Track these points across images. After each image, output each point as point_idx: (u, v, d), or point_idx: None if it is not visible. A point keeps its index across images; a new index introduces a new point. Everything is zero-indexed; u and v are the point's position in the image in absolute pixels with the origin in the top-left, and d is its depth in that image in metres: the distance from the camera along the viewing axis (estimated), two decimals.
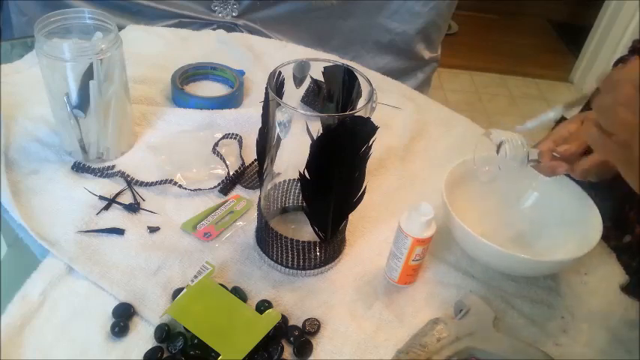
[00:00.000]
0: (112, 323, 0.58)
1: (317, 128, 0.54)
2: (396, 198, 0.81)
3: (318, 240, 0.65)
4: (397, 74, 1.24)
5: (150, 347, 0.57)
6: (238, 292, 0.63)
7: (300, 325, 0.61)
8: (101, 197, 0.73)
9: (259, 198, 0.68)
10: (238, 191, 0.78)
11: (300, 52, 1.12)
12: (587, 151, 0.62)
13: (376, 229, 0.75)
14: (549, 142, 0.65)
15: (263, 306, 0.62)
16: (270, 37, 1.26)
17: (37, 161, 0.76)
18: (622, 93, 0.47)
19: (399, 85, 1.08)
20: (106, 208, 0.72)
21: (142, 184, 0.75)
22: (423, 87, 1.50)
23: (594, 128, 0.50)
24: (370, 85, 0.59)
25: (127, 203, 0.72)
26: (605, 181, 0.63)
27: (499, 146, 0.65)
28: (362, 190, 0.62)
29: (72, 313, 0.59)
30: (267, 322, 0.58)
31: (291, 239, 0.64)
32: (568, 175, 0.73)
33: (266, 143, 0.61)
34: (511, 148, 0.64)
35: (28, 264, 0.64)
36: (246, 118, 0.88)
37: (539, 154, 0.65)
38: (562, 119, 0.83)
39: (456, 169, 0.73)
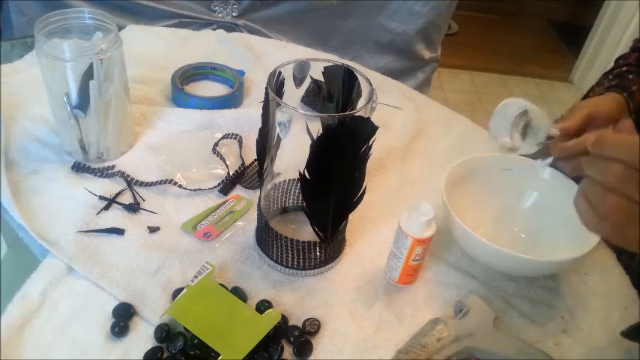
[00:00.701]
0: (112, 323, 0.58)
1: (317, 128, 0.54)
2: (396, 198, 0.81)
3: (318, 240, 0.65)
4: (397, 74, 1.24)
5: (150, 347, 0.57)
6: (238, 292, 0.63)
7: (300, 325, 0.61)
8: (101, 197, 0.73)
9: (259, 198, 0.68)
10: (238, 191, 0.78)
11: (300, 52, 1.12)
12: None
13: (376, 229, 0.75)
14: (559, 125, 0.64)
15: (263, 306, 0.62)
16: (270, 37, 1.26)
17: (37, 161, 0.76)
18: (611, 173, 0.44)
19: (399, 85, 1.08)
20: (106, 208, 0.72)
21: (142, 184, 0.75)
22: (423, 87, 1.50)
23: (582, 200, 0.48)
24: (370, 85, 0.59)
25: (127, 203, 0.72)
26: None
27: (521, 115, 0.62)
28: (362, 190, 0.62)
29: (72, 313, 0.59)
30: (267, 322, 0.58)
31: (291, 239, 0.64)
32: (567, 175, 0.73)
33: (266, 143, 0.61)
34: (536, 117, 0.61)
35: (28, 264, 0.64)
36: (246, 118, 0.88)
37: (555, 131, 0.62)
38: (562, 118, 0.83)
39: (455, 169, 0.73)
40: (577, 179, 0.72)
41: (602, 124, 0.65)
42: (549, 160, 0.64)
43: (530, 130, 0.62)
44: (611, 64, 0.86)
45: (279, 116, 0.58)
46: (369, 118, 0.55)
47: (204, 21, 1.27)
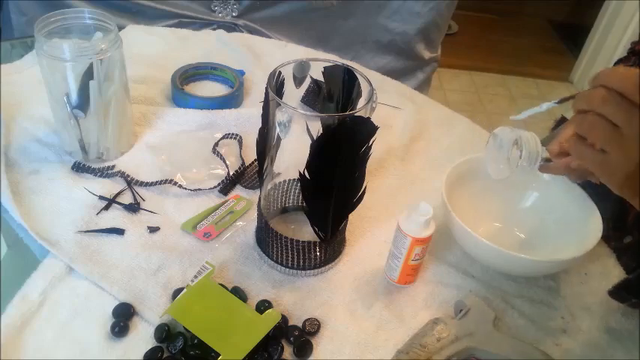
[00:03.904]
0: (112, 323, 0.58)
1: (317, 128, 0.54)
2: (395, 198, 0.81)
3: (318, 240, 0.65)
4: (397, 74, 1.24)
5: (150, 347, 0.57)
6: (238, 292, 0.63)
7: (300, 325, 0.61)
8: (101, 197, 0.73)
9: (259, 198, 0.68)
10: (238, 191, 0.78)
11: (300, 52, 1.12)
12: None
13: (376, 229, 0.75)
14: (557, 142, 0.65)
15: (263, 306, 0.62)
16: (270, 37, 1.26)
17: (37, 161, 0.76)
18: (595, 97, 0.47)
19: (399, 85, 1.08)
20: (106, 208, 0.72)
21: (142, 184, 0.75)
22: (423, 87, 1.50)
23: (573, 134, 0.50)
24: (370, 85, 0.59)
25: (127, 203, 0.72)
26: None
27: (514, 143, 0.64)
28: (362, 190, 0.62)
29: (72, 313, 0.59)
30: (267, 322, 0.58)
31: (291, 239, 0.64)
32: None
33: (266, 143, 0.61)
34: (527, 147, 0.63)
35: (28, 264, 0.64)
36: (246, 118, 0.88)
37: (549, 151, 0.64)
38: (563, 119, 0.83)
39: (455, 169, 0.73)
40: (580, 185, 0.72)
41: None
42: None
43: (524, 156, 0.63)
44: (612, 64, 0.86)
45: (279, 116, 0.58)
46: (369, 118, 0.55)
47: (204, 21, 1.27)
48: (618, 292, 0.67)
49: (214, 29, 1.18)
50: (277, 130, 0.59)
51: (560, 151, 0.64)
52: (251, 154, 0.83)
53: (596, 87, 0.47)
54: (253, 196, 0.77)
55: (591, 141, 0.49)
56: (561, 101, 0.56)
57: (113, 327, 0.58)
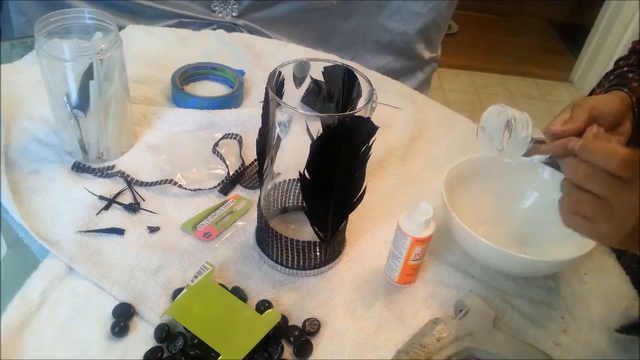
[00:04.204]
0: (112, 323, 0.58)
1: (317, 128, 0.54)
2: (395, 198, 0.81)
3: (318, 240, 0.65)
4: (397, 74, 1.24)
5: (150, 347, 0.57)
6: (238, 292, 0.63)
7: (300, 325, 0.61)
8: (101, 197, 0.73)
9: (259, 198, 0.68)
10: (238, 191, 0.78)
11: (300, 52, 1.12)
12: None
13: (376, 229, 0.75)
14: (554, 123, 0.65)
15: (263, 306, 0.62)
16: (270, 37, 1.26)
17: (37, 161, 0.76)
18: (580, 173, 0.49)
19: (399, 85, 1.08)
20: (106, 208, 0.72)
21: (142, 184, 0.75)
22: (423, 87, 1.50)
23: (561, 200, 0.52)
24: (370, 85, 0.59)
25: (127, 203, 0.72)
26: None
27: (506, 124, 0.64)
28: (362, 190, 0.62)
29: (72, 313, 0.59)
30: (267, 322, 0.58)
31: (291, 239, 0.64)
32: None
33: (266, 143, 0.61)
34: (518, 122, 0.63)
35: (28, 264, 0.64)
36: (246, 118, 0.88)
37: (545, 133, 0.64)
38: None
39: (455, 169, 0.73)
40: None
41: (607, 123, 0.65)
42: (544, 157, 0.64)
43: (515, 136, 0.63)
44: (611, 65, 0.86)
45: (279, 116, 0.58)
46: (369, 118, 0.55)
47: (204, 21, 1.27)
48: (626, 331, 0.67)
49: (214, 29, 1.18)
50: (277, 130, 0.59)
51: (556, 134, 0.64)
52: (251, 154, 0.83)
53: (581, 161, 0.49)
54: (253, 196, 0.77)
55: (581, 214, 0.50)
56: (549, 159, 0.59)
57: (113, 327, 0.58)
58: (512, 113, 0.62)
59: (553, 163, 0.77)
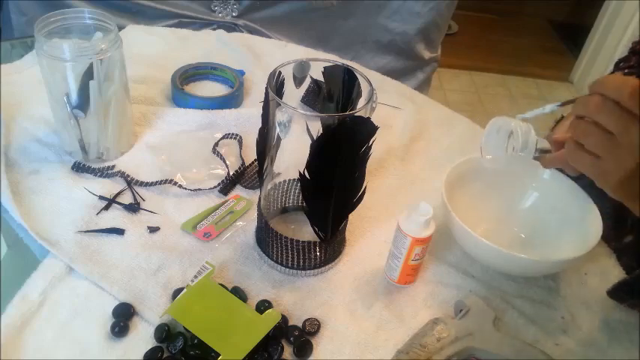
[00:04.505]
0: (112, 323, 0.58)
1: (317, 128, 0.54)
2: (395, 198, 0.81)
3: (318, 240, 0.65)
4: (397, 74, 1.24)
5: (150, 347, 0.57)
6: (238, 292, 0.63)
7: (300, 325, 0.61)
8: (101, 197, 0.73)
9: (259, 198, 0.68)
10: (238, 191, 0.78)
11: (300, 52, 1.12)
12: None
13: (376, 229, 0.75)
14: (557, 132, 0.65)
15: (263, 306, 0.62)
16: (270, 37, 1.26)
17: (37, 161, 0.76)
18: (590, 104, 0.48)
19: (399, 85, 1.08)
20: (106, 208, 0.72)
21: (142, 184, 0.75)
22: (423, 87, 1.50)
23: (569, 139, 0.52)
24: (370, 85, 0.59)
25: (127, 203, 0.72)
26: None
27: (509, 134, 0.64)
28: (362, 190, 0.62)
29: (72, 313, 0.59)
30: (267, 322, 0.58)
31: (291, 239, 0.64)
32: (568, 175, 0.73)
33: (266, 143, 0.61)
34: (521, 133, 0.63)
35: (28, 264, 0.64)
36: (246, 118, 0.88)
37: (549, 140, 0.64)
38: (562, 118, 0.83)
39: (455, 169, 0.73)
40: (578, 179, 0.72)
41: None
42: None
43: (518, 146, 0.63)
44: (611, 65, 0.86)
45: (279, 116, 0.58)
46: (369, 118, 0.55)
47: (204, 21, 1.27)
48: (617, 293, 0.67)
49: (214, 29, 1.18)
50: (277, 130, 0.59)
51: (560, 142, 0.64)
52: (251, 154, 0.83)
53: (593, 94, 0.48)
54: (253, 196, 0.77)
55: (586, 147, 0.50)
56: (564, 104, 0.57)
57: (113, 327, 0.58)
58: (515, 125, 0.62)
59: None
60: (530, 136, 0.62)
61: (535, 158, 0.64)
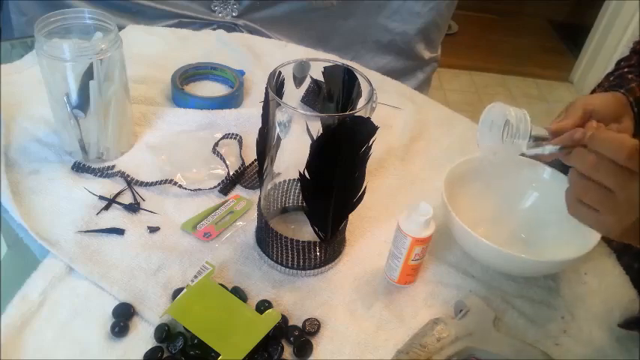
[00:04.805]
0: (112, 323, 0.58)
1: (317, 128, 0.54)
2: (396, 198, 0.81)
3: (318, 240, 0.65)
4: (397, 74, 1.24)
5: (150, 347, 0.57)
6: (238, 292, 0.63)
7: (300, 325, 0.61)
8: (101, 197, 0.73)
9: (259, 198, 0.68)
10: (238, 191, 0.78)
11: (300, 52, 1.12)
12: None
13: (376, 229, 0.75)
14: (556, 122, 0.66)
15: (263, 306, 0.62)
16: (270, 37, 1.26)
17: (37, 161, 0.76)
18: (587, 162, 0.49)
19: (399, 85, 1.08)
20: (106, 208, 0.72)
21: (142, 184, 0.75)
22: (423, 87, 1.50)
23: (568, 189, 0.53)
24: (370, 85, 0.59)
25: (127, 203, 0.72)
26: None
27: (505, 122, 0.64)
28: (362, 190, 0.62)
29: (72, 313, 0.59)
30: (267, 322, 0.58)
31: (291, 239, 0.64)
32: (562, 170, 0.73)
33: (266, 143, 0.61)
34: (515, 120, 0.63)
35: (28, 264, 0.64)
36: (246, 118, 0.88)
37: (548, 130, 0.64)
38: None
39: (455, 169, 0.73)
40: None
41: (602, 119, 0.65)
42: (555, 148, 0.63)
43: (516, 134, 0.63)
44: (611, 65, 0.86)
45: (279, 116, 0.58)
46: (369, 118, 0.55)
47: (204, 21, 1.27)
48: (629, 325, 0.67)
49: (214, 29, 1.18)
50: (277, 130, 0.59)
51: (557, 132, 0.64)
52: (251, 154, 0.83)
53: (590, 152, 0.49)
54: (253, 196, 0.77)
55: (586, 202, 0.51)
56: (561, 149, 0.58)
57: (113, 327, 0.58)
58: (510, 110, 0.62)
59: (555, 162, 0.77)
60: (526, 124, 0.62)
61: (530, 146, 0.63)
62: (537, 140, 0.63)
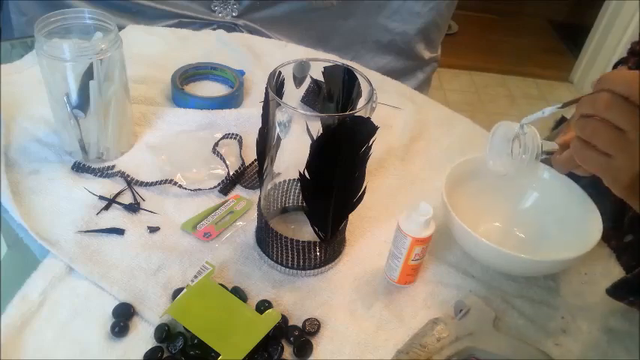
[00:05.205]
0: (112, 323, 0.58)
1: (317, 128, 0.54)
2: (395, 198, 0.81)
3: (318, 240, 0.65)
4: (397, 74, 1.24)
5: (150, 347, 0.57)
6: (238, 292, 0.63)
7: (300, 325, 0.61)
8: (101, 197, 0.73)
9: (259, 198, 0.68)
10: (238, 191, 0.78)
11: (300, 52, 1.12)
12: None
13: (376, 229, 0.75)
14: (562, 136, 0.65)
15: (263, 306, 0.62)
16: (270, 37, 1.26)
17: (37, 161, 0.76)
18: (599, 101, 0.47)
19: (399, 85, 1.08)
20: (106, 208, 0.72)
21: (142, 184, 0.75)
22: (423, 87, 1.50)
23: (576, 138, 0.50)
24: (370, 85, 0.59)
25: (127, 203, 0.72)
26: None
27: (514, 138, 0.64)
28: (362, 190, 0.62)
29: (72, 313, 0.59)
30: (267, 322, 0.58)
31: (291, 239, 0.64)
32: (568, 175, 0.73)
33: (266, 143, 0.61)
34: (526, 138, 0.62)
35: (28, 264, 0.64)
36: (246, 118, 0.88)
37: (556, 143, 0.64)
38: (563, 119, 0.83)
39: (455, 169, 0.73)
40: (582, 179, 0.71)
41: None
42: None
43: (524, 150, 0.63)
44: (611, 65, 0.86)
45: (279, 116, 0.58)
46: (369, 118, 0.55)
47: (204, 21, 1.27)
48: (616, 291, 0.67)
49: (214, 29, 1.18)
50: (277, 130, 0.59)
51: (566, 144, 0.64)
52: (251, 154, 0.83)
53: (600, 91, 0.47)
54: (253, 196, 0.77)
55: (595, 145, 0.48)
56: (564, 105, 0.56)
57: (113, 327, 0.58)
58: (519, 131, 0.62)
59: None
60: (535, 140, 0.62)
61: (542, 161, 0.63)
62: (547, 154, 0.63)
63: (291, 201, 0.73)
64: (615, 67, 0.85)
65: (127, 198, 0.74)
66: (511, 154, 0.64)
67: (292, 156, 0.65)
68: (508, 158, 0.65)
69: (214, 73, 0.99)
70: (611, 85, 0.46)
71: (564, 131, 0.65)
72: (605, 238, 0.74)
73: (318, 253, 0.66)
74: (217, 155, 0.82)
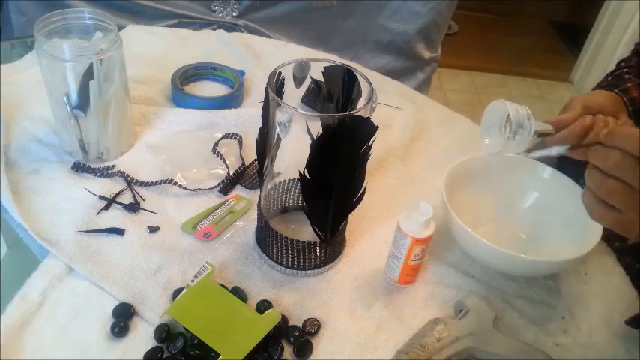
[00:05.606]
0: (112, 323, 0.58)
1: (317, 128, 0.54)
2: (395, 198, 0.81)
3: (318, 240, 0.65)
4: (397, 74, 1.24)
5: (150, 347, 0.57)
6: (238, 292, 0.63)
7: (300, 325, 0.61)
8: (101, 197, 0.73)
9: (259, 198, 0.68)
10: (238, 191, 0.78)
11: (300, 52, 1.12)
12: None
13: (376, 229, 0.75)
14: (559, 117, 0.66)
15: (263, 306, 0.62)
16: (270, 37, 1.26)
17: (37, 161, 0.76)
18: (610, 160, 0.48)
19: (399, 85, 1.08)
20: (106, 208, 0.72)
21: (142, 184, 0.75)
22: (423, 87, 1.50)
23: (588, 192, 0.51)
24: (370, 85, 0.59)
25: (127, 203, 0.72)
26: None
27: (507, 118, 0.64)
28: (362, 190, 0.62)
29: (72, 313, 0.59)
30: (267, 322, 0.58)
31: (291, 239, 0.64)
32: (568, 174, 0.73)
33: (266, 143, 0.61)
34: (518, 117, 0.62)
35: (28, 264, 0.64)
36: (246, 118, 0.88)
37: (552, 124, 0.64)
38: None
39: (455, 169, 0.73)
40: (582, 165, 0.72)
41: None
42: (562, 149, 0.63)
43: (517, 130, 0.63)
44: (612, 65, 0.86)
45: (279, 116, 0.58)
46: (369, 118, 0.55)
47: (204, 21, 1.27)
48: (633, 322, 0.67)
49: (214, 29, 1.18)
50: (277, 130, 0.59)
51: (562, 124, 0.64)
52: (251, 154, 0.83)
53: (611, 149, 0.48)
54: (253, 196, 0.77)
55: (609, 203, 0.50)
56: (571, 148, 0.58)
57: (113, 327, 0.58)
58: (511, 107, 0.62)
59: (559, 162, 0.78)
60: (528, 119, 0.63)
61: (534, 141, 0.63)
62: (541, 136, 0.63)
63: (291, 201, 0.73)
64: (618, 65, 0.85)
65: (127, 198, 0.74)
66: (503, 134, 0.64)
67: (292, 156, 0.65)
68: (502, 137, 0.65)
69: (214, 73, 0.99)
70: (621, 144, 0.48)
71: (561, 112, 0.66)
72: (609, 239, 0.74)
73: (318, 253, 0.66)
74: (217, 155, 0.82)
